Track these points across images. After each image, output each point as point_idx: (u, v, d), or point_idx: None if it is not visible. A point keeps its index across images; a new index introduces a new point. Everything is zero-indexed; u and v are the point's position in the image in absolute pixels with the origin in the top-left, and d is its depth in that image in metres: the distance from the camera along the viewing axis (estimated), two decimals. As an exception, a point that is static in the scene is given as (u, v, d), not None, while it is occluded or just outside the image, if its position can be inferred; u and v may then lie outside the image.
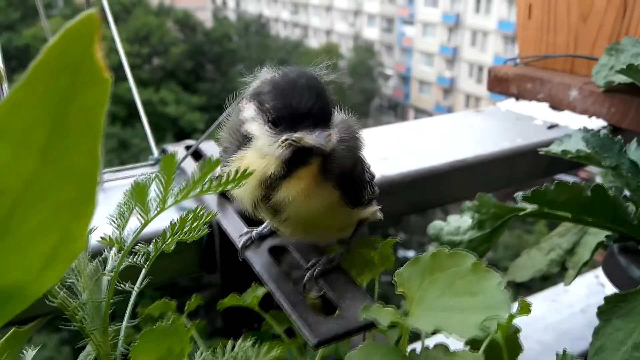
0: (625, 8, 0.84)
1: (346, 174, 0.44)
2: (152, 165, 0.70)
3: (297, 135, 0.39)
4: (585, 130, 0.59)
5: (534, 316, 0.98)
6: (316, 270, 0.45)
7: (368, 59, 19.14)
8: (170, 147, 0.71)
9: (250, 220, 0.55)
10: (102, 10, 0.69)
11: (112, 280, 0.35)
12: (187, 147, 0.70)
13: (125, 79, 0.71)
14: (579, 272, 0.65)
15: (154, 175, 0.35)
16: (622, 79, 0.78)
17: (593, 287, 1.09)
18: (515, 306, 0.45)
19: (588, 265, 0.69)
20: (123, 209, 0.37)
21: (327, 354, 0.50)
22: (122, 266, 0.35)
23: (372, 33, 22.07)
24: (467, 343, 0.48)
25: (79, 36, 0.21)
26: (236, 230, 0.52)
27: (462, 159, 0.73)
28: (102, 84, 0.23)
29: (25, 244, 0.23)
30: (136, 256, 0.40)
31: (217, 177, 0.35)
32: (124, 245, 0.36)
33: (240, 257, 0.50)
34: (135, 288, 0.38)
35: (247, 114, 0.42)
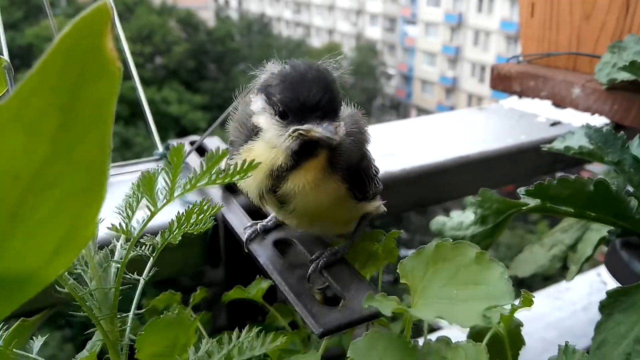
0: (628, 6, 0.85)
1: (353, 167, 0.44)
2: (157, 160, 0.71)
3: (305, 127, 0.39)
4: (588, 126, 0.59)
5: (536, 313, 0.98)
6: (320, 262, 0.45)
7: (370, 58, 19.14)
8: (175, 142, 0.71)
9: (254, 215, 0.55)
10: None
11: (120, 268, 0.36)
12: (192, 143, 0.70)
13: (127, 78, 0.71)
14: (581, 268, 0.65)
15: (160, 168, 0.35)
16: (624, 76, 0.78)
17: (595, 284, 1.09)
18: (517, 301, 0.45)
19: (590, 262, 0.69)
20: (130, 201, 0.37)
21: (331, 346, 0.50)
22: (130, 256, 0.36)
23: (374, 32, 22.06)
24: (469, 336, 0.48)
25: (90, 27, 0.22)
26: (241, 224, 0.53)
27: (465, 156, 0.73)
28: (112, 75, 0.23)
29: (36, 229, 0.24)
30: (143, 247, 0.40)
31: (223, 170, 0.36)
32: (132, 236, 0.36)
33: (245, 249, 0.50)
34: (143, 277, 0.38)
35: (256, 106, 0.42)
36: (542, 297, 1.04)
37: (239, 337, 0.40)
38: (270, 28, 20.51)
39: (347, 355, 0.36)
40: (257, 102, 0.42)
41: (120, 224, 0.35)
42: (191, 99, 12.20)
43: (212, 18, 18.17)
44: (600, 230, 0.66)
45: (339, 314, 0.39)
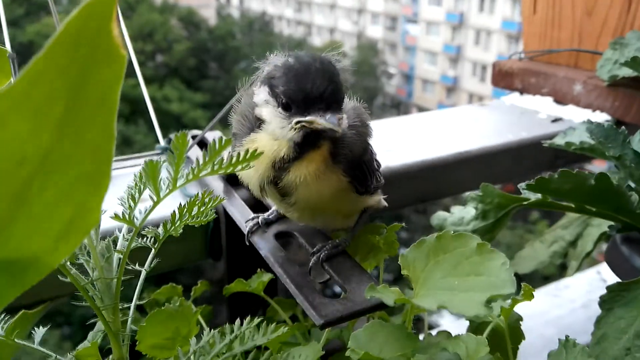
0: (630, 2, 0.85)
1: (355, 160, 0.44)
2: (158, 154, 0.71)
3: (308, 118, 0.39)
4: (590, 122, 0.60)
5: (536, 310, 0.98)
6: (322, 254, 0.46)
7: (371, 57, 19.12)
8: (178, 133, 0.71)
9: (256, 208, 0.55)
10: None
11: (122, 259, 0.36)
12: (193, 137, 0.71)
13: (127, 75, 0.71)
14: (582, 263, 0.65)
15: (163, 159, 0.35)
16: (626, 73, 0.78)
17: (595, 282, 1.09)
18: (518, 295, 0.45)
19: (589, 260, 0.69)
20: (133, 191, 0.37)
21: (331, 339, 0.50)
22: (132, 245, 0.36)
23: (375, 31, 22.05)
24: (469, 330, 0.49)
25: (97, 11, 0.22)
26: (242, 216, 0.53)
27: (466, 151, 0.73)
28: (118, 60, 0.23)
29: (42, 214, 0.24)
30: (145, 239, 0.40)
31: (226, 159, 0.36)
32: (135, 226, 0.36)
33: (247, 241, 0.50)
34: (145, 268, 0.38)
35: (260, 97, 0.43)
36: (542, 295, 1.04)
37: (240, 327, 0.40)
38: (271, 26, 20.51)
39: (348, 346, 0.36)
40: (260, 94, 0.43)
41: (123, 213, 0.35)
42: (192, 97, 12.20)
43: (214, 16, 18.16)
44: (600, 226, 0.66)
45: (340, 305, 0.40)
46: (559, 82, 0.91)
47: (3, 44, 0.51)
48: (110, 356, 0.39)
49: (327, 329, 0.45)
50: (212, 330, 0.42)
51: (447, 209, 0.64)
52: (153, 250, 0.40)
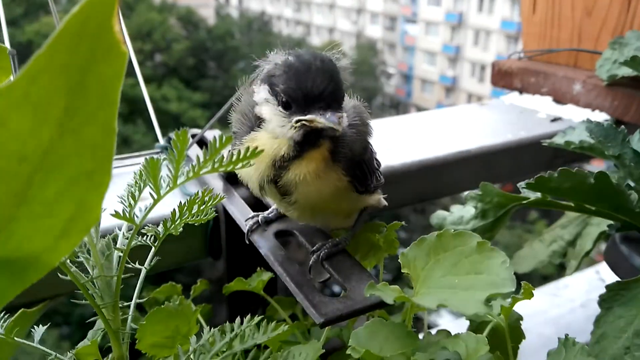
0: (629, 2, 0.85)
1: (355, 158, 0.44)
2: (158, 153, 0.71)
3: (308, 116, 0.39)
4: (589, 121, 0.60)
5: (535, 310, 0.99)
6: (322, 253, 0.46)
7: (370, 57, 19.13)
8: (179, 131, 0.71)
9: (256, 207, 0.55)
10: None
11: (122, 256, 0.36)
12: (192, 136, 0.71)
13: (126, 75, 0.71)
14: (581, 262, 0.65)
15: (163, 157, 0.35)
16: (625, 72, 0.78)
17: (594, 282, 1.09)
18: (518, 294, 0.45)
19: (588, 260, 0.69)
20: (133, 189, 0.37)
21: (331, 338, 0.50)
22: (132, 244, 0.36)
23: (374, 31, 22.05)
24: (470, 329, 0.49)
25: (98, 8, 0.22)
26: (242, 215, 0.53)
27: (465, 150, 0.74)
28: (119, 56, 0.23)
29: (42, 212, 0.24)
30: (145, 237, 0.40)
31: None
32: (135, 224, 0.36)
33: (247, 240, 0.50)
34: (145, 266, 0.38)
35: (260, 96, 0.42)
36: (541, 294, 1.05)
37: (240, 326, 0.40)
38: (270, 26, 20.50)
39: (349, 344, 0.36)
40: (260, 93, 0.43)
41: (123, 211, 0.35)
42: (191, 97, 12.19)
43: (212, 16, 18.15)
44: (599, 225, 0.66)
45: (340, 304, 0.40)
46: (558, 81, 0.91)
47: (3, 42, 0.51)
48: (110, 355, 0.39)
49: (327, 328, 0.45)
50: (212, 328, 0.42)
51: (446, 209, 0.64)
52: (153, 248, 0.39)
